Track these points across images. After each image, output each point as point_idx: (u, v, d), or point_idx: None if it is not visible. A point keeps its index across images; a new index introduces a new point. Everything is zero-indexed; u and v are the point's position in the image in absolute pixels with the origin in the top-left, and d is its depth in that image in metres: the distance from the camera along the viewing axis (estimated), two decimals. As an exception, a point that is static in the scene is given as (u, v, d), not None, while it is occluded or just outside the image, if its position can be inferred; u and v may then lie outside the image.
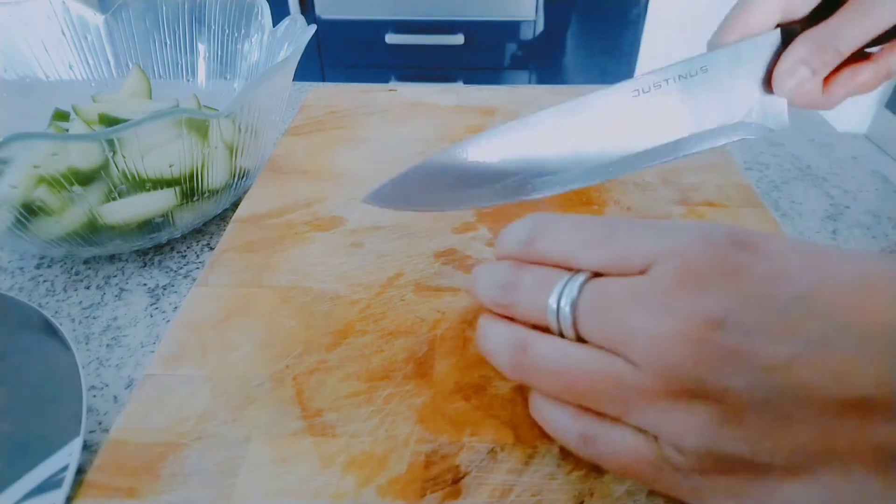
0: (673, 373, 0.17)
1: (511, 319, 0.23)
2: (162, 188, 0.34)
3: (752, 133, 0.30)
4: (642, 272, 0.19)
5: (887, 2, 0.26)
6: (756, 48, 0.28)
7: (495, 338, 0.22)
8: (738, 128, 0.30)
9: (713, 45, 0.29)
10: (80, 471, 0.24)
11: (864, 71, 0.29)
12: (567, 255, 0.21)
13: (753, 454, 0.17)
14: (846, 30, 0.27)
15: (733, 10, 0.28)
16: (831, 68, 0.28)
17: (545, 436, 0.24)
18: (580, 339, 0.20)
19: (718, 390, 0.17)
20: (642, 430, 0.19)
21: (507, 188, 0.29)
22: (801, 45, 0.27)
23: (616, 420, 0.20)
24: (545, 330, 0.21)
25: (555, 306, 0.20)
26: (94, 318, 0.33)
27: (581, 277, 0.20)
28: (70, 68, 0.47)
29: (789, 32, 0.28)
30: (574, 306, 0.20)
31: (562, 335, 0.21)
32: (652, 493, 0.22)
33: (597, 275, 0.21)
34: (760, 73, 0.29)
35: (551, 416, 0.22)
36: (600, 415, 0.20)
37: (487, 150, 0.29)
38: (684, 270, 0.18)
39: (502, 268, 0.23)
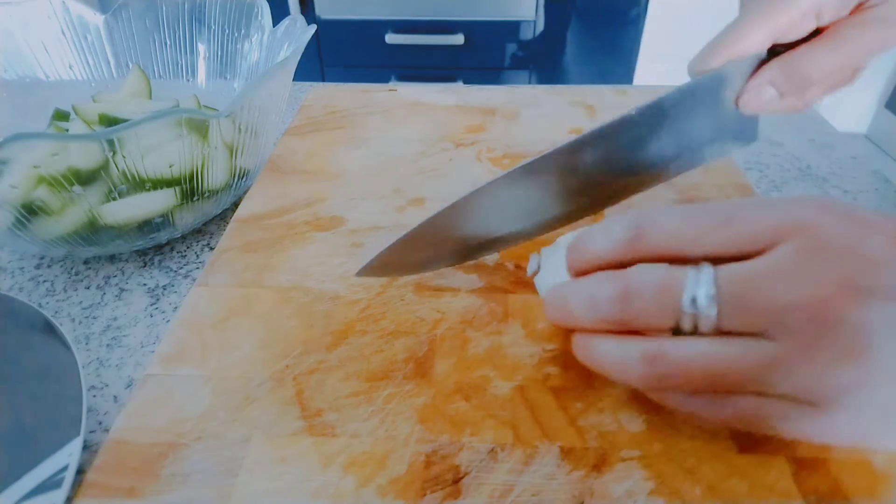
0: (826, 338, 0.18)
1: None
2: (162, 188, 0.34)
3: (725, 152, 0.30)
4: (763, 251, 0.20)
5: (862, 37, 0.27)
6: (737, 69, 0.28)
7: (618, 354, 0.22)
8: (713, 147, 0.30)
9: (696, 68, 0.29)
10: (80, 471, 0.24)
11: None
12: (685, 244, 0.21)
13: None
14: (819, 59, 0.27)
15: (723, 35, 0.28)
16: (800, 93, 0.28)
17: (545, 436, 0.24)
18: (716, 333, 0.20)
19: (868, 342, 0.18)
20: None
21: (486, 242, 0.29)
22: (774, 67, 0.28)
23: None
24: (664, 331, 0.21)
25: (690, 306, 0.20)
26: (94, 318, 0.33)
27: (709, 270, 0.20)
28: (70, 68, 0.47)
29: (771, 53, 0.28)
30: (716, 301, 0.20)
31: (692, 332, 0.20)
32: (652, 493, 0.22)
33: (714, 262, 0.20)
34: (735, 92, 0.29)
35: (685, 399, 0.22)
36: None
37: (466, 215, 0.28)
38: (816, 241, 0.19)
39: (603, 281, 0.22)
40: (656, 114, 0.27)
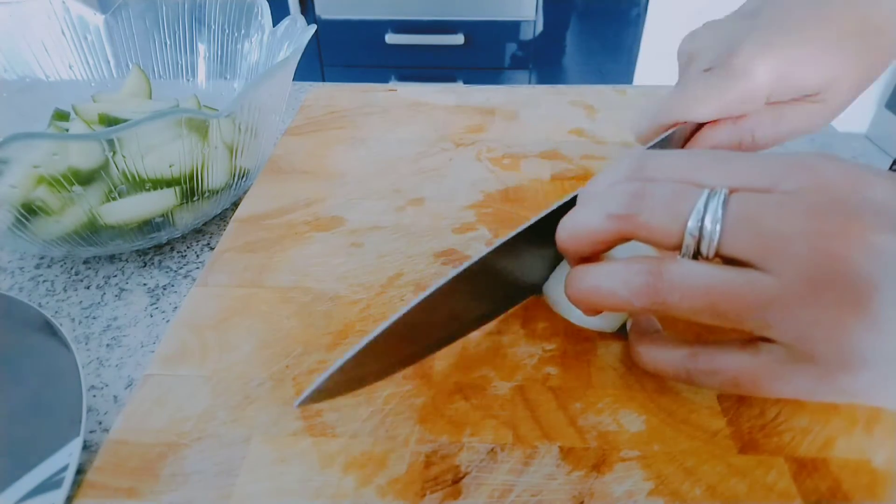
0: (829, 278, 0.18)
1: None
2: (162, 188, 0.34)
3: None
4: (768, 190, 0.20)
5: (808, 120, 0.29)
6: (678, 133, 0.29)
7: (619, 271, 0.22)
8: None
9: (639, 134, 0.30)
10: (80, 471, 0.24)
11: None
12: (691, 176, 0.21)
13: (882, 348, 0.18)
14: (765, 130, 0.30)
15: (669, 105, 0.30)
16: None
17: (545, 436, 0.24)
18: (717, 259, 0.20)
19: (871, 286, 0.18)
20: (752, 342, 0.21)
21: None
22: (720, 134, 0.29)
23: (730, 343, 0.21)
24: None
25: (696, 224, 0.20)
26: (94, 318, 0.33)
27: (722, 193, 0.20)
28: (70, 68, 0.47)
29: None
30: (721, 222, 0.20)
31: (695, 256, 0.20)
32: (652, 493, 0.22)
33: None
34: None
35: (665, 357, 0.23)
36: (707, 342, 0.22)
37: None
38: (823, 182, 0.19)
39: (625, 182, 0.22)
40: None
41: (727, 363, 0.21)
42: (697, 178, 0.21)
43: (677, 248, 0.21)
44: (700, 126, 0.31)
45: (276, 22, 0.45)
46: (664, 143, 0.29)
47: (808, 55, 0.28)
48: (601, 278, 0.22)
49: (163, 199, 0.34)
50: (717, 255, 0.20)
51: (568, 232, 0.23)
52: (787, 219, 0.19)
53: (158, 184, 0.33)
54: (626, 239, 0.22)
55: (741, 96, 0.28)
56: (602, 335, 0.28)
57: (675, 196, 0.21)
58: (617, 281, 0.22)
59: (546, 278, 0.29)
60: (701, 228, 0.20)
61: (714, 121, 0.30)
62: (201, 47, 0.48)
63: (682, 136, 0.29)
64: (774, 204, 0.19)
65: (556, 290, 0.29)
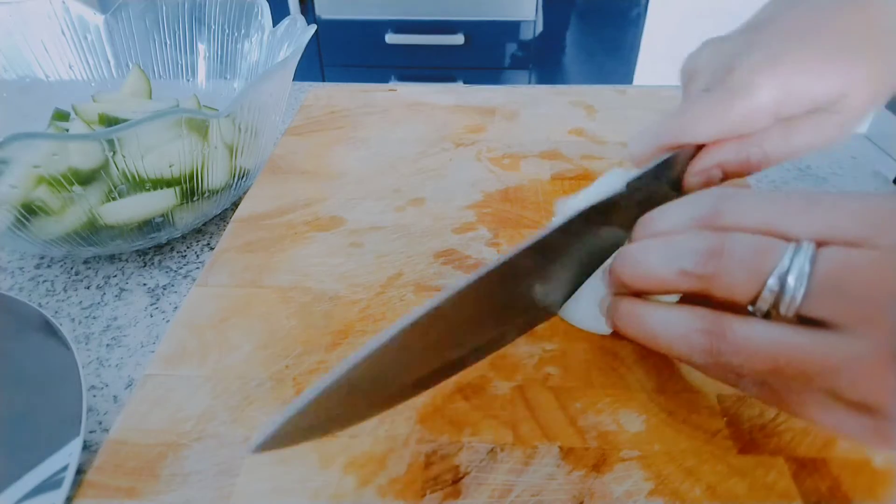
0: None
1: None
2: (162, 188, 0.34)
3: None
4: (856, 243, 0.18)
5: (819, 135, 0.27)
6: (681, 155, 0.27)
7: (678, 323, 0.20)
8: None
9: (637, 154, 0.28)
10: (80, 471, 0.24)
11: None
12: (774, 225, 0.19)
13: None
14: (771, 149, 0.27)
15: (670, 125, 0.27)
16: (745, 174, 0.28)
17: (545, 436, 0.24)
18: (795, 319, 0.19)
19: None
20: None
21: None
22: (729, 151, 0.27)
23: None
24: (734, 307, 0.20)
25: (777, 282, 0.18)
26: (94, 318, 0.33)
27: (810, 248, 0.18)
28: (70, 68, 0.47)
29: None
30: (807, 281, 0.18)
31: (769, 314, 0.19)
32: (652, 493, 0.22)
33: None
34: (672, 177, 0.28)
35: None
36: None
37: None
38: None
39: (698, 235, 0.20)
40: (604, 212, 0.24)
41: (799, 396, 0.20)
42: (782, 227, 0.19)
43: (751, 302, 0.19)
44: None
45: (276, 22, 0.45)
46: (665, 165, 0.27)
47: (814, 65, 0.26)
48: (658, 325, 0.21)
49: (163, 199, 0.34)
50: (795, 314, 0.18)
51: (631, 272, 0.22)
52: (881, 282, 0.17)
53: (158, 184, 0.33)
54: (696, 294, 0.21)
55: (744, 114, 0.26)
56: (602, 335, 0.28)
57: (757, 253, 0.19)
58: (676, 335, 0.21)
59: (561, 303, 0.26)
60: (783, 287, 0.18)
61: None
62: (201, 47, 0.48)
63: (687, 157, 0.28)
64: (868, 264, 0.18)
65: (581, 311, 0.28)
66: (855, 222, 0.18)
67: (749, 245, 0.19)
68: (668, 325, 0.21)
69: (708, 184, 0.28)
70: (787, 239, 0.19)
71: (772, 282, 0.18)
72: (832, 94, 0.26)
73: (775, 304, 0.19)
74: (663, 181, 0.27)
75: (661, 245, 0.21)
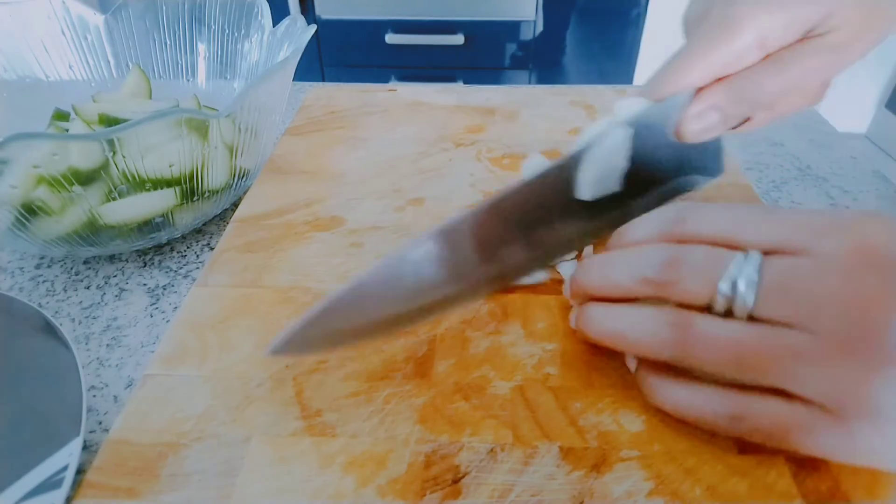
0: (863, 339, 0.18)
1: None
2: (162, 188, 0.34)
3: (692, 185, 0.29)
4: (805, 251, 0.20)
5: (808, 62, 0.26)
6: (676, 103, 0.27)
7: (645, 320, 0.22)
8: (670, 185, 0.29)
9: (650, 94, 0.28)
10: (80, 471, 0.24)
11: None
12: (728, 234, 0.21)
13: None
14: (764, 83, 0.26)
15: (665, 68, 0.27)
16: (742, 119, 0.28)
17: (545, 436, 0.24)
18: (748, 319, 0.20)
19: None
20: (792, 396, 0.20)
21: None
22: (719, 91, 0.27)
23: (763, 391, 0.21)
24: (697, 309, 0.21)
25: (728, 287, 0.20)
26: (94, 318, 0.33)
27: (756, 258, 0.20)
28: (70, 68, 0.47)
29: None
30: (755, 287, 0.20)
31: (725, 314, 0.21)
32: (652, 493, 0.22)
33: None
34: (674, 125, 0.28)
35: (691, 400, 0.22)
36: (744, 388, 0.21)
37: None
38: (865, 246, 0.19)
39: (656, 247, 0.23)
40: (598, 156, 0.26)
41: (763, 409, 0.21)
42: (737, 236, 0.21)
43: (708, 307, 0.21)
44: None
45: (276, 22, 0.45)
46: (652, 117, 0.27)
47: None
48: (626, 324, 0.23)
49: (163, 199, 0.34)
50: (748, 316, 0.20)
51: (596, 280, 0.24)
52: (822, 284, 0.19)
53: (158, 184, 0.33)
54: (654, 297, 0.23)
55: (730, 49, 0.26)
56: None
57: (710, 262, 0.21)
58: (643, 331, 0.22)
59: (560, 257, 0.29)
60: (734, 291, 0.20)
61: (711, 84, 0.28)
62: (201, 47, 0.48)
63: (683, 104, 0.28)
64: (810, 269, 0.20)
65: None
66: (797, 232, 0.20)
67: (703, 254, 0.21)
68: (636, 322, 0.23)
69: (708, 131, 0.27)
70: (740, 248, 0.21)
71: (723, 287, 0.20)
72: (816, 16, 0.25)
73: (730, 308, 0.20)
74: (658, 132, 0.27)
75: (625, 255, 0.23)
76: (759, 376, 0.20)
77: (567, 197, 0.27)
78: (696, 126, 0.27)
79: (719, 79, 0.27)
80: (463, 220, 0.25)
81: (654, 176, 0.28)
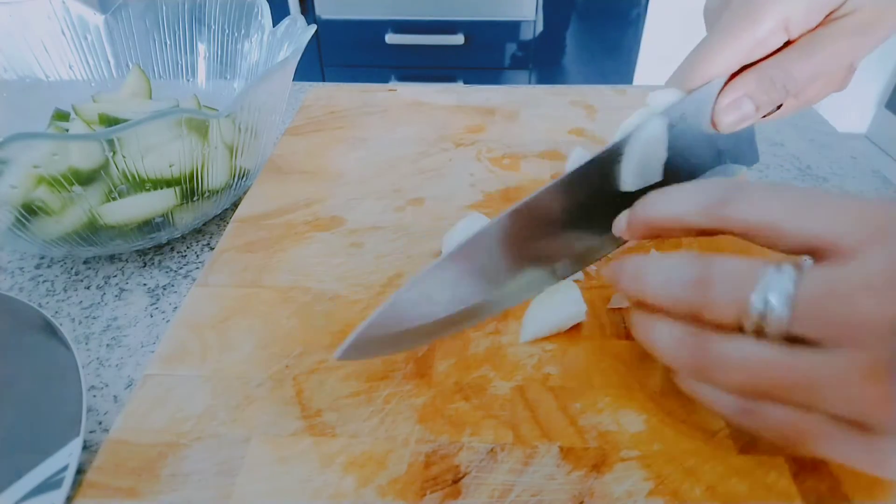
0: None
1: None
2: (162, 188, 0.34)
3: (730, 174, 0.29)
4: (847, 251, 0.18)
5: (834, 45, 0.26)
6: (706, 93, 0.27)
7: (667, 338, 0.22)
8: (716, 172, 0.29)
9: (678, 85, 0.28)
10: (80, 471, 0.24)
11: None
12: (773, 222, 0.20)
13: None
14: (792, 68, 0.26)
15: (689, 59, 0.27)
16: (774, 106, 0.27)
17: (545, 436, 0.24)
18: (783, 337, 0.19)
19: None
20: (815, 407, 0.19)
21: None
22: (750, 78, 0.27)
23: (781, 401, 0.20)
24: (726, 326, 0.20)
25: (761, 304, 0.19)
26: (94, 318, 0.33)
27: (790, 270, 0.19)
28: (70, 68, 0.47)
29: None
30: (790, 303, 0.19)
31: (756, 332, 0.19)
32: (652, 493, 0.22)
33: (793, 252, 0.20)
34: (708, 115, 0.28)
35: (707, 393, 0.22)
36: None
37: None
38: None
39: (686, 261, 0.22)
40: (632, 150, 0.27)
41: (779, 415, 0.20)
42: (783, 225, 0.20)
43: (741, 324, 0.20)
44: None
45: (276, 22, 0.45)
46: (682, 110, 0.27)
47: None
48: (654, 335, 0.23)
49: (163, 199, 0.34)
50: (784, 334, 0.19)
51: (631, 290, 0.23)
52: (866, 302, 0.17)
53: (158, 184, 0.33)
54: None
55: (754, 35, 0.26)
56: (603, 335, 0.28)
57: (741, 281, 0.20)
58: (665, 346, 0.22)
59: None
60: (767, 310, 0.19)
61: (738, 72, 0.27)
62: (201, 47, 0.48)
63: (715, 95, 0.28)
64: (852, 283, 0.18)
65: None
66: (849, 228, 0.19)
67: (731, 272, 0.20)
68: (662, 338, 0.22)
69: (743, 120, 0.27)
70: (783, 238, 0.20)
71: (755, 306, 0.19)
72: None
73: (763, 325, 0.19)
74: (690, 124, 0.27)
75: (658, 268, 0.22)
76: (782, 396, 0.19)
77: (611, 190, 0.27)
78: (732, 115, 0.27)
79: (745, 67, 0.27)
80: (528, 204, 0.26)
81: (693, 166, 0.28)
